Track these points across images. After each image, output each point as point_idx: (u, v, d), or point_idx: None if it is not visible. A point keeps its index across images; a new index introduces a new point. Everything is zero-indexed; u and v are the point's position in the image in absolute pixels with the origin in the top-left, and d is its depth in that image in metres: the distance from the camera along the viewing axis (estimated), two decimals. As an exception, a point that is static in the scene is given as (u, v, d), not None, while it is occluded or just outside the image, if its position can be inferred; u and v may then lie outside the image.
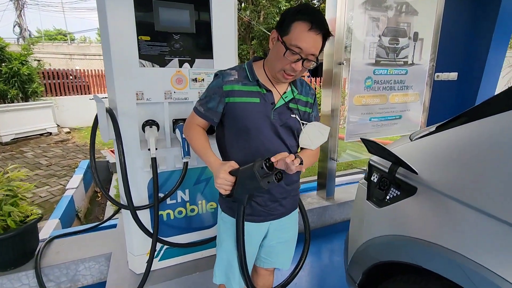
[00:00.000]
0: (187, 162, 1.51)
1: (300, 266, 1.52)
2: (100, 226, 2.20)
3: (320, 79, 2.53)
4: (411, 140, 1.08)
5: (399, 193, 1.04)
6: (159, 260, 1.67)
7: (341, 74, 2.40)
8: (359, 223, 1.26)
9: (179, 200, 1.64)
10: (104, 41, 1.36)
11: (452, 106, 3.10)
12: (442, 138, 0.95)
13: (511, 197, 0.70)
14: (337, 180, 2.88)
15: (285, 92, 1.11)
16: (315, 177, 2.84)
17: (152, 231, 1.49)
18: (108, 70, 1.39)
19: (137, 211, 1.45)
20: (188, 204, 1.67)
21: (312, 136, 1.10)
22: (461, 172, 0.85)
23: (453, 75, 2.92)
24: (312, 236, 2.49)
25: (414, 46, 2.59)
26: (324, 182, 2.69)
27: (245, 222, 1.07)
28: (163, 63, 1.45)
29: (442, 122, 1.05)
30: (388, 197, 1.08)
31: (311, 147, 1.11)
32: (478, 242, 0.75)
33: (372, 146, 1.10)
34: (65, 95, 9.47)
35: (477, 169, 0.80)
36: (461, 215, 0.81)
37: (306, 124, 1.13)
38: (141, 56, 1.40)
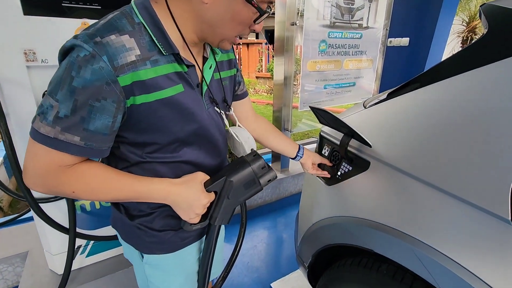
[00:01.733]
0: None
1: (236, 254, 1.31)
2: (19, 219, 1.84)
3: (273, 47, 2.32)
4: (365, 107, 0.95)
5: (351, 168, 0.92)
6: (86, 256, 1.43)
7: (294, 38, 2.20)
8: (309, 202, 1.14)
9: (104, 186, 1.37)
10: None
11: (403, 73, 3.11)
12: (396, 105, 0.82)
13: (467, 170, 0.59)
14: (292, 151, 2.79)
15: (206, 59, 0.69)
16: (269, 149, 2.71)
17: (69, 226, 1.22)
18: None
19: (51, 202, 1.16)
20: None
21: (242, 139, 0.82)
22: (415, 143, 0.72)
23: (405, 41, 2.89)
24: (267, 210, 2.42)
25: (369, 7, 2.45)
26: (278, 153, 2.57)
27: (178, 251, 0.76)
28: (61, 12, 1.09)
29: (394, 88, 0.92)
30: (339, 173, 0.96)
31: (242, 153, 0.82)
32: (435, 225, 0.65)
33: (323, 116, 0.94)
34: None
35: (432, 141, 0.68)
36: (417, 194, 0.69)
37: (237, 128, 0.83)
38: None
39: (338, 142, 0.96)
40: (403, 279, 0.75)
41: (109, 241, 1.42)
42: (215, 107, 0.72)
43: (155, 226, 0.71)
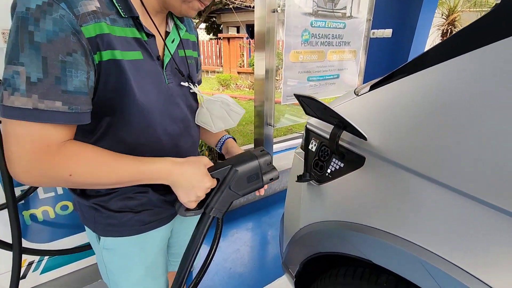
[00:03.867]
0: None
1: (211, 255, 1.22)
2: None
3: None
4: (358, 94, 0.83)
5: (342, 165, 0.80)
6: (41, 273, 1.23)
7: (275, 31, 2.06)
8: (295, 203, 1.01)
9: (60, 191, 1.18)
10: None
11: (387, 66, 3.06)
12: (398, 90, 0.70)
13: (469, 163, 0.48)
14: (276, 146, 2.68)
15: (168, 33, 0.67)
16: (251, 145, 2.58)
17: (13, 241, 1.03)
18: None
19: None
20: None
21: (216, 115, 0.76)
22: (422, 135, 0.61)
23: (387, 32, 2.83)
24: (250, 210, 2.28)
25: (353, -4, 2.36)
26: (261, 149, 2.44)
27: (147, 233, 0.72)
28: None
29: (389, 73, 0.80)
30: (329, 171, 0.84)
31: (211, 129, 0.76)
32: (447, 232, 0.54)
33: (309, 105, 0.81)
34: None
35: (443, 132, 0.57)
36: (425, 195, 0.58)
37: (211, 97, 0.77)
38: None
39: (327, 136, 0.84)
40: (407, 294, 0.64)
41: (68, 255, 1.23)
42: (182, 82, 0.69)
43: (111, 207, 0.66)
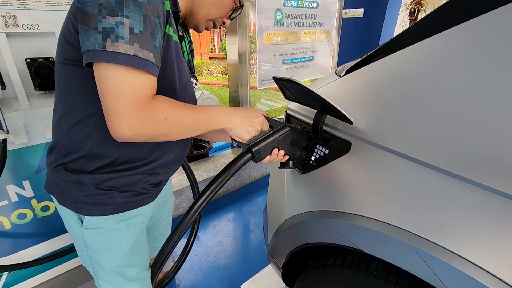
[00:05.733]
0: (4, 140, 0.90)
1: (189, 246, 1.27)
2: None
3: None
4: (340, 76, 0.77)
5: (327, 151, 0.75)
6: (1, 290, 1.11)
7: (246, 15, 1.95)
8: (278, 193, 0.96)
9: (14, 199, 1.05)
10: None
11: (360, 47, 3.06)
12: (385, 68, 0.65)
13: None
14: (253, 133, 2.61)
15: (181, 36, 0.72)
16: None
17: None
18: None
19: None
20: (35, 201, 1.09)
21: None
22: (414, 115, 0.57)
23: (359, 12, 2.80)
24: (231, 200, 2.23)
25: (324, -27, 2.28)
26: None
27: (135, 210, 0.74)
28: None
29: (374, 50, 0.76)
30: (313, 158, 0.79)
31: None
32: (443, 218, 0.51)
33: (289, 88, 0.75)
34: None
35: (437, 112, 0.53)
36: (414, 179, 0.55)
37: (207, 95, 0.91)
38: None
39: (310, 121, 0.79)
40: (398, 281, 0.62)
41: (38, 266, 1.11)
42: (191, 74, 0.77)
43: (99, 183, 0.66)
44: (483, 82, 0.47)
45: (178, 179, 2.03)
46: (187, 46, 0.77)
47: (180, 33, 0.69)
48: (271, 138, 0.67)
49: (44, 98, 1.04)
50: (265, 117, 0.72)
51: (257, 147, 0.65)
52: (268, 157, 0.69)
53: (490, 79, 0.46)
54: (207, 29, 0.74)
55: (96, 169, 0.66)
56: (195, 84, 0.82)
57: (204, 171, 2.19)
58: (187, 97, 0.71)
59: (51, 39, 0.99)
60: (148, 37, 0.51)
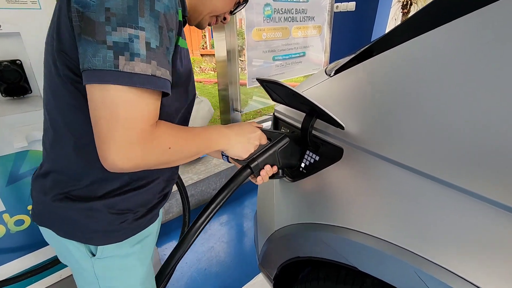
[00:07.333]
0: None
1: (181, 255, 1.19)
2: None
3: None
4: (330, 75, 0.71)
5: (317, 158, 0.69)
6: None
7: None
8: (268, 201, 0.90)
9: (-19, 214, 0.97)
10: None
11: (352, 42, 3.00)
12: (380, 66, 0.59)
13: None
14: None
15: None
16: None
17: None
18: None
19: None
20: (7, 215, 1.02)
21: (202, 116, 0.77)
22: (408, 120, 0.51)
23: (351, 5, 2.74)
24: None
25: (314, -34, 2.21)
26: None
27: (146, 229, 0.69)
28: None
29: (367, 46, 0.69)
30: (303, 165, 0.73)
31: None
32: (447, 235, 0.45)
33: (275, 91, 0.69)
34: None
35: (437, 118, 0.48)
36: (414, 191, 0.49)
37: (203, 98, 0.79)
38: None
39: (298, 125, 0.72)
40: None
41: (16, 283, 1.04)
42: None
43: (116, 207, 0.60)
44: (492, 81, 0.41)
45: (167, 183, 1.96)
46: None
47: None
48: (270, 152, 0.65)
49: (11, 104, 0.96)
50: (262, 130, 0.68)
51: (255, 163, 0.63)
52: (264, 173, 0.66)
53: (501, 79, 0.41)
54: (209, 25, 0.69)
55: (108, 192, 0.58)
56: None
57: (195, 173, 2.12)
58: (187, 116, 0.68)
59: (16, 40, 0.91)
60: (164, 53, 0.45)
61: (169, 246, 1.69)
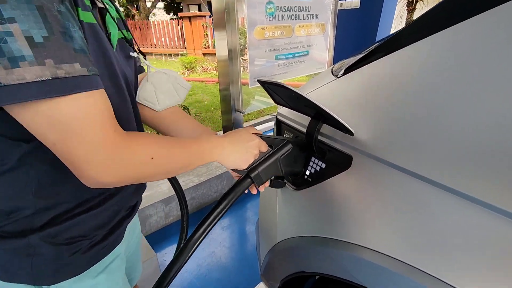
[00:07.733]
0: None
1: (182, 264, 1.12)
2: None
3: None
4: (337, 76, 0.66)
5: (324, 166, 0.64)
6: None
7: (235, 4, 1.82)
8: (271, 210, 0.85)
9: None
10: None
11: (356, 40, 2.93)
12: (393, 66, 0.54)
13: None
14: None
15: (102, 8, 0.52)
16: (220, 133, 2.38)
17: None
18: None
19: None
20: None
21: (162, 90, 0.64)
22: (424, 126, 0.46)
23: (356, 3, 2.67)
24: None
25: (318, -38, 2.15)
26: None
27: (110, 254, 0.60)
28: None
29: (379, 44, 0.64)
30: (308, 173, 0.67)
31: (155, 106, 0.64)
32: (464, 254, 0.40)
33: (278, 93, 0.63)
34: None
35: (455, 125, 0.42)
36: (431, 204, 0.44)
37: (155, 70, 0.65)
38: None
39: (303, 129, 0.67)
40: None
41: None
42: (131, 48, 0.61)
43: (62, 237, 0.50)
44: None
45: (167, 186, 1.92)
46: (115, 19, 0.55)
47: (100, 4, 0.51)
48: (272, 160, 0.60)
49: None
50: (262, 136, 0.62)
51: (255, 172, 0.58)
52: (267, 183, 0.61)
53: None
54: None
55: (50, 220, 0.48)
56: (142, 60, 0.65)
57: (196, 175, 2.07)
58: (127, 98, 0.55)
59: None
60: (62, 41, 0.34)
61: (169, 251, 1.65)
